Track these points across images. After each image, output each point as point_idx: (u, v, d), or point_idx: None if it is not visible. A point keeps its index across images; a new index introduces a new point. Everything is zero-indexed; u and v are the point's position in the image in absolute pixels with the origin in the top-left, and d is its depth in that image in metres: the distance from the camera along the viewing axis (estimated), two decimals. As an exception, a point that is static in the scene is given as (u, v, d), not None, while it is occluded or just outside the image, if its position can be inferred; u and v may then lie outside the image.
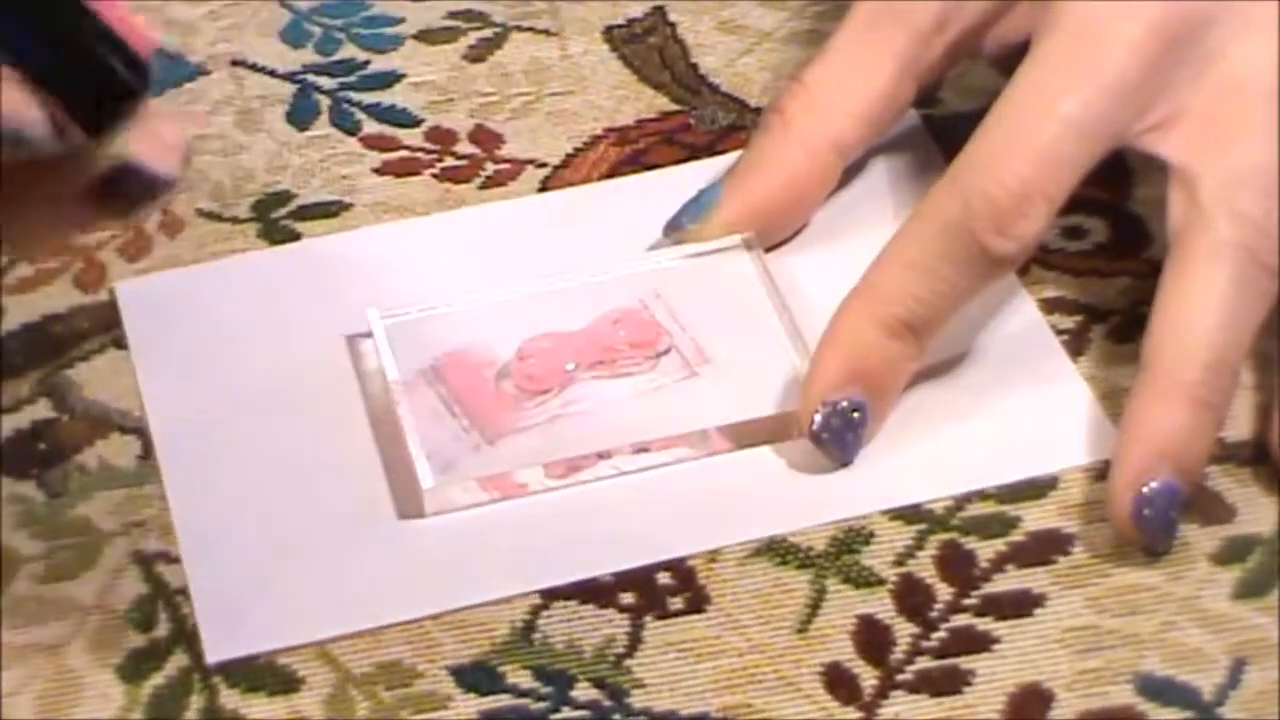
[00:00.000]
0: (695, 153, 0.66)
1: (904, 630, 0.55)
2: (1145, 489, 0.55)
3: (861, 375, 0.58)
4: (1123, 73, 0.57)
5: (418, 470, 0.57)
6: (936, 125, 0.66)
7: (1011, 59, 0.63)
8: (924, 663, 0.54)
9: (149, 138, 0.51)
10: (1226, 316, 0.56)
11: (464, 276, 0.62)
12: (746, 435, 0.58)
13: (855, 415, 0.58)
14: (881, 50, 0.62)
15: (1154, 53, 0.57)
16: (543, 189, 0.66)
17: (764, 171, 0.62)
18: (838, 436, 0.58)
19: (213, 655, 0.56)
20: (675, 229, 0.63)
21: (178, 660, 0.56)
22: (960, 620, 0.55)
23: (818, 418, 0.58)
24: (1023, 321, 0.60)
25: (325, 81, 0.70)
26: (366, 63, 0.70)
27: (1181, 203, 0.57)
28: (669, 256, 0.62)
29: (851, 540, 0.57)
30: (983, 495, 0.58)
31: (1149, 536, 0.55)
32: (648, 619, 0.56)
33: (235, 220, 0.66)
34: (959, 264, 0.57)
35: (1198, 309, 0.56)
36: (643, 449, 0.58)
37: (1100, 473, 0.57)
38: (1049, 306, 0.61)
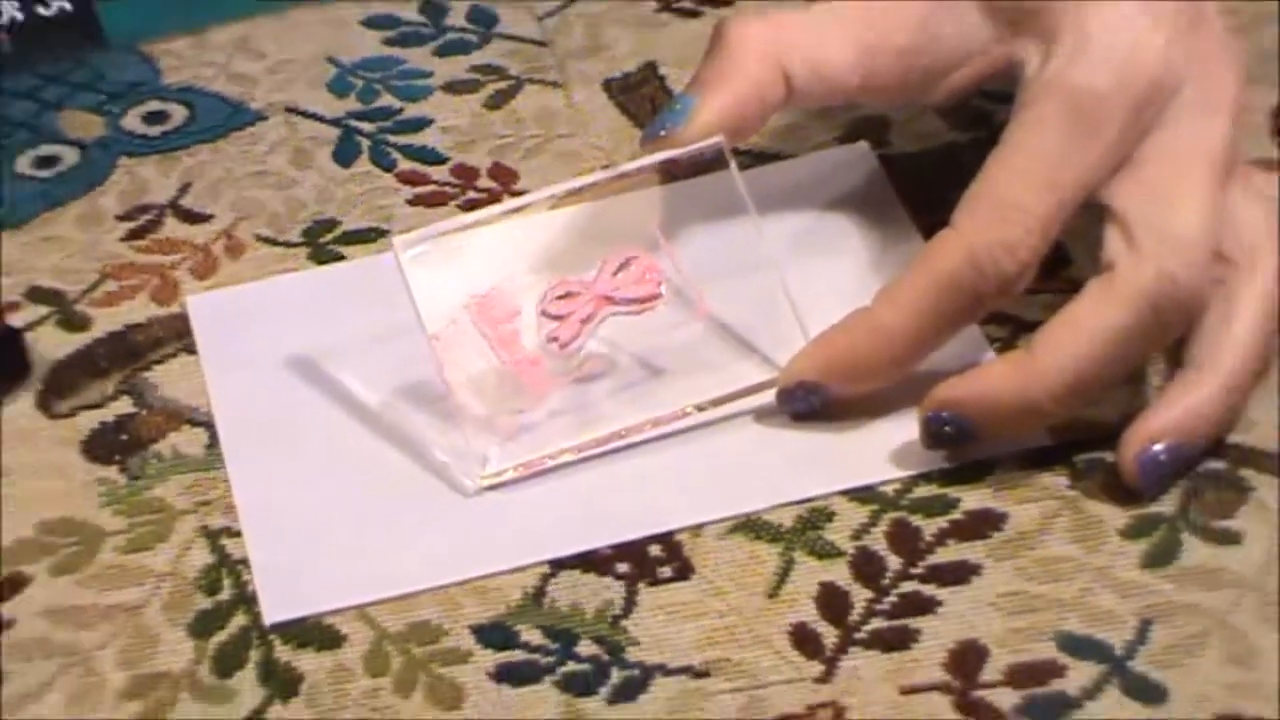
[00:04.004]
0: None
1: (860, 595, 0.55)
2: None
3: (838, 373, 0.57)
4: (1112, 145, 0.56)
5: (474, 457, 0.57)
6: (888, 163, 0.66)
7: (956, 108, 0.63)
8: (877, 623, 0.54)
9: None
10: (1104, 351, 0.55)
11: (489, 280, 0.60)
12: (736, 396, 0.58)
13: (813, 399, 0.57)
14: (843, 30, 0.59)
15: (1133, 124, 0.56)
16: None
17: (729, 81, 0.59)
18: (795, 410, 0.58)
19: (270, 616, 0.55)
20: (652, 139, 0.59)
21: (239, 620, 0.55)
22: (908, 587, 0.55)
23: (785, 393, 0.57)
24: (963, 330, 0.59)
25: (365, 126, 0.70)
26: (401, 110, 0.70)
27: (1116, 240, 0.55)
28: (652, 162, 0.59)
29: (815, 518, 0.56)
30: (928, 478, 0.57)
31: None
32: (641, 585, 0.55)
33: (289, 244, 0.66)
34: (952, 317, 0.56)
35: (1086, 334, 0.55)
36: (655, 423, 0.58)
37: (1028, 460, 0.57)
38: (984, 318, 0.60)
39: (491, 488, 0.57)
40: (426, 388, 0.58)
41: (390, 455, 0.58)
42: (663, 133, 0.59)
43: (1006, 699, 0.52)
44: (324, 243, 0.65)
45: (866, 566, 0.55)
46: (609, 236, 0.59)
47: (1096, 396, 0.56)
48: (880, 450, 0.57)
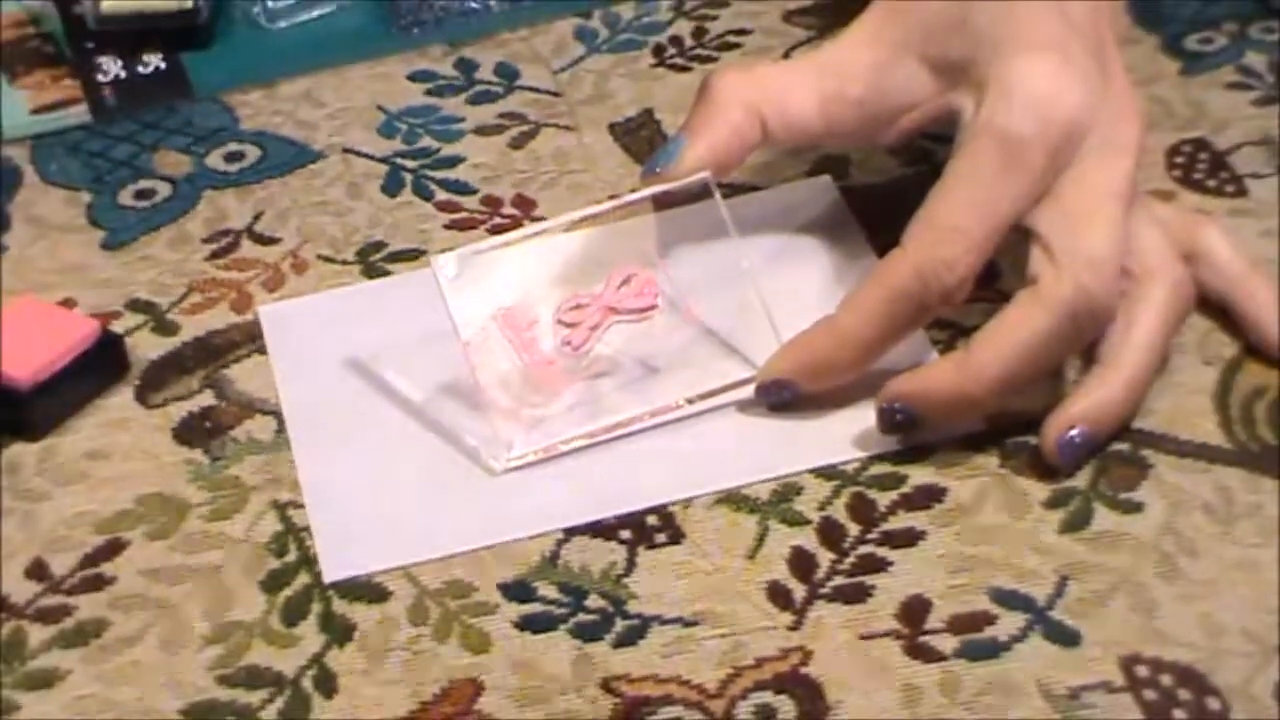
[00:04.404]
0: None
1: (824, 557, 0.55)
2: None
3: (807, 371, 0.58)
4: (1035, 179, 0.56)
5: (500, 443, 0.57)
6: (847, 194, 0.65)
7: (905, 148, 0.63)
8: (839, 580, 0.54)
9: None
10: (1030, 352, 0.55)
11: (509, 294, 0.60)
12: (715, 394, 0.58)
13: (786, 393, 0.58)
14: (809, 83, 0.59)
15: (1052, 162, 0.56)
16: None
17: (714, 126, 0.59)
18: (770, 402, 0.58)
19: (328, 575, 0.56)
20: (650, 174, 0.59)
21: (303, 578, 0.56)
22: (865, 549, 0.55)
23: (762, 388, 0.58)
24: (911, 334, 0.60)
25: (409, 163, 0.70)
26: (438, 150, 0.70)
27: (1040, 259, 0.56)
28: (647, 193, 0.59)
29: (787, 492, 0.57)
30: (882, 458, 0.57)
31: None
32: (640, 549, 0.56)
33: (344, 262, 0.66)
34: (902, 324, 0.57)
35: (1014, 338, 0.55)
36: (657, 413, 0.58)
37: (965, 443, 0.57)
38: (928, 324, 0.61)
39: (515, 468, 0.58)
40: (460, 384, 0.59)
41: (429, 441, 0.58)
42: (658, 169, 0.59)
43: (948, 643, 0.52)
44: (374, 261, 0.66)
45: (830, 532, 0.56)
46: (614, 256, 0.59)
47: (1023, 390, 0.56)
48: (842, 435, 0.58)
